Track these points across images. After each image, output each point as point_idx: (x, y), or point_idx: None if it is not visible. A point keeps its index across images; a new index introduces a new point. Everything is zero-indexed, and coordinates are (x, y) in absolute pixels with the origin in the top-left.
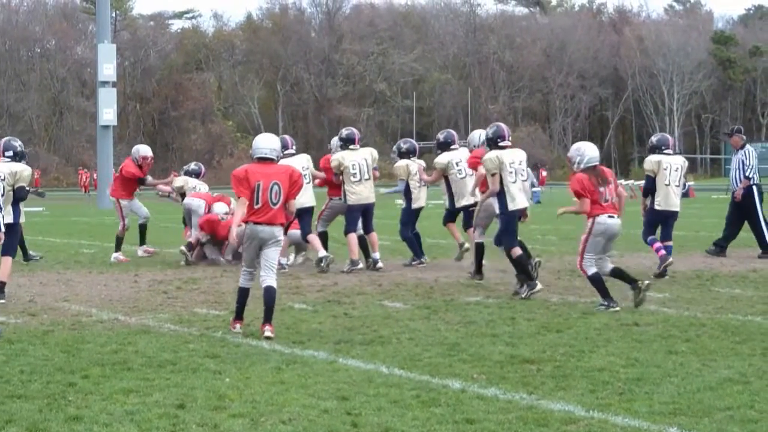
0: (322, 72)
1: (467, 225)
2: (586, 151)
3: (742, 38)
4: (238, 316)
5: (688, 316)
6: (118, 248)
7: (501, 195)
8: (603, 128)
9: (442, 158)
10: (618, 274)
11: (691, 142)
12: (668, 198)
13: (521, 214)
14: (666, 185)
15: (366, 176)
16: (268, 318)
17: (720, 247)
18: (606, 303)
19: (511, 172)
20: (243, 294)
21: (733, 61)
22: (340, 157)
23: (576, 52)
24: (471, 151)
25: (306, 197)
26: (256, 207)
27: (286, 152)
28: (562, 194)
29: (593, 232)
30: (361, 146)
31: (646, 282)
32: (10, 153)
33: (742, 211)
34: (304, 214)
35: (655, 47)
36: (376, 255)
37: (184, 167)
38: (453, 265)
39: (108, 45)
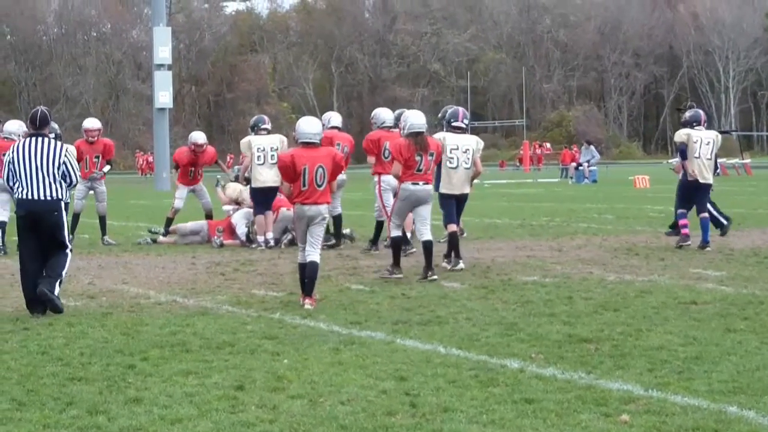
0: (377, 52)
1: None
2: (409, 119)
3: None
4: (304, 291)
5: (747, 294)
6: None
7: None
8: (658, 106)
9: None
10: (427, 246)
11: (748, 119)
12: (699, 171)
13: None
14: (696, 158)
15: None
16: (309, 291)
17: (721, 226)
18: (391, 269)
19: None
20: (302, 270)
21: None
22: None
23: (630, 29)
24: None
25: (272, 176)
26: (303, 189)
27: (262, 126)
28: (618, 172)
29: (399, 197)
30: None
31: (434, 277)
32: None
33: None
34: (270, 192)
35: (710, 24)
36: (408, 233)
37: (231, 175)
38: (509, 245)
39: (163, 28)
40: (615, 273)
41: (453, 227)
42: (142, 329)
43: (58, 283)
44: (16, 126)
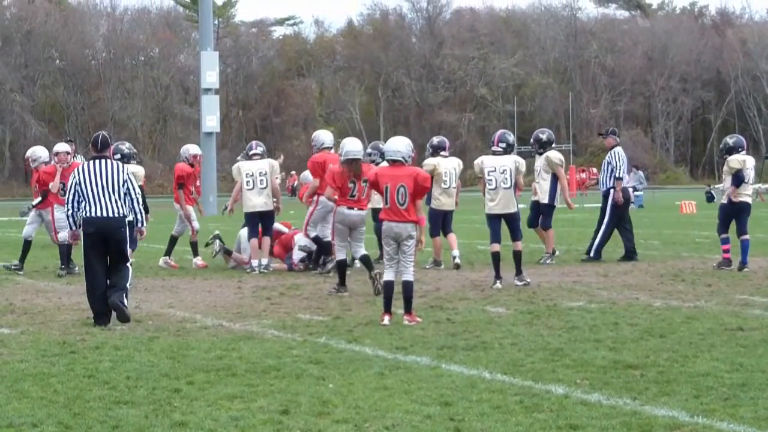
0: (423, 77)
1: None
2: (346, 146)
3: None
4: (386, 308)
5: None
6: (195, 253)
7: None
8: (706, 131)
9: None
10: (365, 260)
11: None
12: (743, 193)
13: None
14: (745, 183)
15: (453, 185)
16: (407, 308)
17: (629, 253)
18: (337, 288)
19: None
20: (387, 287)
21: None
22: (435, 162)
23: (678, 55)
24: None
25: (263, 201)
26: (385, 207)
27: (250, 153)
28: (664, 197)
29: (335, 219)
30: (451, 154)
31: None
32: (118, 156)
33: (612, 210)
34: (264, 217)
35: (758, 49)
36: (455, 252)
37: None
38: (555, 270)
39: (211, 52)
40: (661, 299)
41: (496, 247)
42: (188, 353)
43: (125, 295)
44: (62, 148)
